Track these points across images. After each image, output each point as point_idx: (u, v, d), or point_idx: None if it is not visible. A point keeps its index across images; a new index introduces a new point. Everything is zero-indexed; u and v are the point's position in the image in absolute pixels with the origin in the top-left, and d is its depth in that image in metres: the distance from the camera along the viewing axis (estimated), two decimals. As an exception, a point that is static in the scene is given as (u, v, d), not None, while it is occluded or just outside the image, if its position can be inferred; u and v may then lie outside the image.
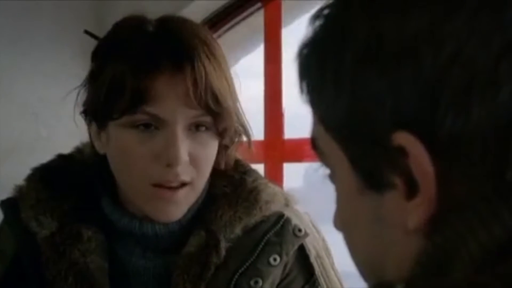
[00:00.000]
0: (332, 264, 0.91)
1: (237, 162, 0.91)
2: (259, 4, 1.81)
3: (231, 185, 0.88)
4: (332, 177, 0.42)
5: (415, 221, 0.35)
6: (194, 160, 0.78)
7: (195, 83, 0.74)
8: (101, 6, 1.98)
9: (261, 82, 1.79)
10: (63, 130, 1.78)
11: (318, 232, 0.92)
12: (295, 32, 1.84)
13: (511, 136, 0.32)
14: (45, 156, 0.92)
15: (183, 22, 0.81)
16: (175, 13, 0.86)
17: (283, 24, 1.78)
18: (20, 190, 0.88)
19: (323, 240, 0.92)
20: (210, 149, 0.80)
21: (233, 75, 0.81)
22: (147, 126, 0.76)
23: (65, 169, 0.89)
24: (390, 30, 0.35)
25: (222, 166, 0.86)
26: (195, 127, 0.77)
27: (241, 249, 0.84)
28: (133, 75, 0.74)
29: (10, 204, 0.88)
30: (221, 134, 0.79)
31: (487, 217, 0.32)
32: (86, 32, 0.87)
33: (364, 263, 0.42)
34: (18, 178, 0.89)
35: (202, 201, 0.87)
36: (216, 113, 0.76)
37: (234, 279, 0.82)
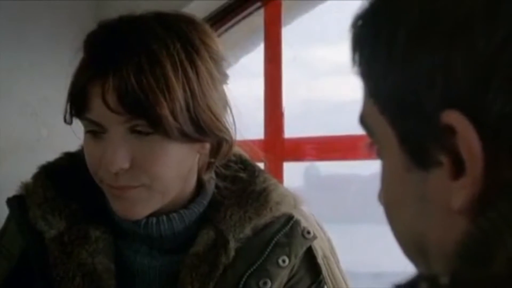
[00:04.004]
0: (338, 264, 0.92)
1: (244, 162, 0.91)
2: (258, 4, 1.81)
3: (238, 186, 0.88)
4: (380, 154, 0.42)
5: (459, 202, 0.35)
6: (141, 164, 0.78)
7: (117, 89, 0.75)
8: (100, 6, 1.98)
9: (261, 81, 1.79)
10: (63, 130, 1.78)
11: (324, 232, 0.92)
12: (295, 32, 1.84)
13: None
14: (46, 156, 0.92)
15: (125, 27, 0.81)
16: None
17: (283, 23, 1.78)
18: (26, 188, 0.88)
19: (329, 240, 0.92)
20: (160, 152, 0.78)
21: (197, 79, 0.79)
22: (97, 131, 0.79)
23: (72, 168, 0.89)
24: (446, 6, 0.35)
25: (203, 169, 0.85)
26: (136, 132, 0.77)
27: (250, 249, 0.84)
28: (73, 83, 0.80)
29: (17, 202, 0.87)
30: (171, 137, 0.77)
31: None
32: None
33: (407, 243, 0.41)
34: (18, 178, 0.89)
35: (208, 202, 0.87)
36: (146, 117, 0.76)
37: (243, 280, 0.82)
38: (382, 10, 0.39)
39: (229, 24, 1.86)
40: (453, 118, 0.34)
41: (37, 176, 0.89)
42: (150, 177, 0.78)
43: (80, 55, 0.82)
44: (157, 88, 0.75)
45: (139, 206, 0.80)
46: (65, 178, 0.88)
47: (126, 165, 0.77)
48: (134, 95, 0.75)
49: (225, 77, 0.86)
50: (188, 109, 0.78)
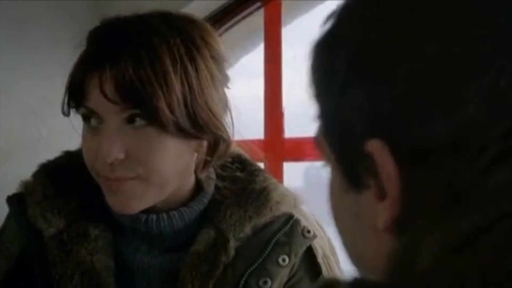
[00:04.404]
0: (338, 263, 0.92)
1: (244, 162, 0.91)
2: (258, 4, 1.81)
3: (238, 185, 0.88)
4: (329, 172, 0.46)
5: (382, 221, 0.39)
6: (136, 156, 0.78)
7: (115, 79, 0.76)
8: (100, 6, 1.98)
9: (261, 81, 1.79)
10: (63, 130, 1.78)
11: (324, 232, 0.92)
12: (295, 32, 1.84)
13: (466, 150, 0.35)
14: (46, 155, 0.92)
15: (126, 23, 0.82)
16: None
17: (283, 23, 1.78)
18: (26, 185, 0.88)
19: (329, 240, 0.92)
20: (156, 145, 0.78)
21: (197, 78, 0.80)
22: (94, 123, 0.80)
23: (71, 166, 0.89)
24: (374, 41, 0.38)
25: (200, 167, 0.85)
26: (133, 124, 0.78)
27: (250, 248, 0.84)
28: (73, 73, 0.80)
29: (16, 200, 0.88)
30: (167, 130, 0.78)
31: (444, 220, 0.35)
32: None
33: (350, 255, 0.46)
34: (18, 177, 0.89)
35: (209, 201, 0.87)
36: (142, 108, 0.76)
37: (243, 279, 0.82)
38: (330, 36, 0.42)
39: (229, 24, 1.86)
40: (373, 146, 0.37)
41: (37, 175, 0.89)
42: (145, 169, 0.79)
43: (79, 53, 0.83)
44: (155, 80, 0.76)
45: (135, 200, 0.80)
46: (65, 177, 0.88)
47: (121, 155, 0.77)
48: (131, 85, 0.75)
49: (226, 79, 0.86)
50: (185, 104, 0.78)
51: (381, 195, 0.39)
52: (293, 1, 1.79)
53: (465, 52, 0.35)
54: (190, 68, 0.79)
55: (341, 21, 0.42)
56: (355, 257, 0.45)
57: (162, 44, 0.78)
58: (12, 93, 1.89)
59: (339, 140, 0.41)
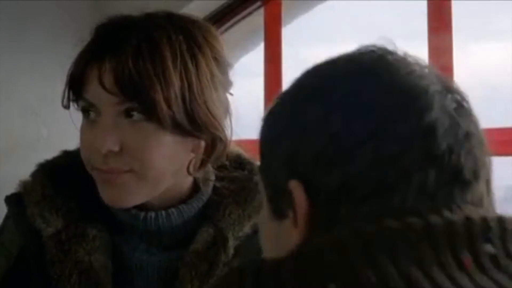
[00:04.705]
0: None
1: (243, 161, 0.91)
2: (258, 3, 1.81)
3: (237, 185, 0.88)
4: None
5: (295, 243, 0.50)
6: (130, 150, 0.78)
7: (114, 70, 0.76)
8: (100, 6, 1.98)
9: (261, 81, 1.79)
10: (63, 129, 1.78)
11: None
12: (295, 31, 1.84)
13: (347, 200, 0.48)
14: (46, 155, 0.92)
15: (130, 19, 0.83)
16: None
17: (283, 23, 1.78)
18: (24, 185, 0.88)
19: None
20: (152, 140, 0.78)
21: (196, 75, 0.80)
22: (92, 116, 0.80)
23: (70, 166, 0.89)
24: (293, 113, 0.54)
25: (196, 166, 0.85)
26: (130, 117, 0.78)
27: (249, 247, 0.84)
28: (74, 65, 0.80)
29: (15, 200, 0.87)
30: (163, 125, 0.78)
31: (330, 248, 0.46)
32: None
33: None
34: (18, 177, 0.89)
35: (208, 200, 0.87)
36: (139, 101, 0.76)
37: None
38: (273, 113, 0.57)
39: (229, 23, 1.86)
40: (293, 185, 0.50)
41: (36, 174, 0.89)
42: (140, 164, 0.79)
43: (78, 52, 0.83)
44: (154, 74, 0.76)
45: (127, 194, 0.80)
46: (63, 176, 0.88)
47: (116, 147, 0.77)
48: (130, 77, 0.75)
49: (228, 83, 0.86)
50: (183, 100, 0.78)
51: (296, 223, 0.50)
52: (293, 1, 1.79)
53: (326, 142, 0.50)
54: (190, 65, 0.79)
55: (279, 100, 0.57)
56: None
57: (163, 39, 0.78)
58: (12, 93, 1.89)
59: (271, 181, 0.54)
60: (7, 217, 0.90)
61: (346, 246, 0.44)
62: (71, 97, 0.82)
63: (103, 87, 0.76)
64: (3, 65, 1.88)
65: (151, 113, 0.76)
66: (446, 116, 0.48)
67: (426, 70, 0.52)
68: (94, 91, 0.78)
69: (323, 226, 0.48)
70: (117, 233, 0.86)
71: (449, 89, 0.51)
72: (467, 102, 0.51)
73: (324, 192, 0.49)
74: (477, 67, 1.52)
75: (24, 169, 0.90)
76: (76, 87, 0.80)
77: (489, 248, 0.44)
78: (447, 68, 1.31)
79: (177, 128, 0.78)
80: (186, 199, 0.87)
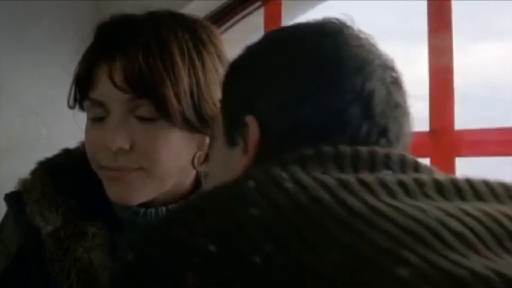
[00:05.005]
0: None
1: None
2: (258, 3, 1.81)
3: None
4: (213, 139, 0.71)
5: (242, 167, 0.58)
6: (141, 148, 0.79)
7: (124, 68, 0.77)
8: (100, 6, 1.98)
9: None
10: (63, 129, 1.78)
11: None
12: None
13: (291, 139, 0.56)
14: (46, 155, 0.92)
15: (142, 16, 0.84)
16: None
17: (283, 23, 1.78)
18: (24, 183, 0.88)
19: None
20: (162, 138, 0.79)
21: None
22: (100, 117, 0.80)
23: (70, 164, 0.89)
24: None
25: (200, 161, 0.85)
26: (139, 117, 0.79)
27: None
28: (80, 65, 0.81)
29: (15, 198, 0.87)
30: (174, 122, 0.79)
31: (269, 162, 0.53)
32: None
33: None
34: (18, 177, 0.89)
35: None
36: (151, 97, 0.77)
37: None
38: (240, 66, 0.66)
39: (229, 23, 1.86)
40: (249, 120, 0.58)
41: (35, 172, 0.89)
42: (149, 161, 0.79)
43: (80, 55, 0.83)
44: (164, 70, 0.77)
45: (135, 191, 0.81)
46: (63, 174, 0.88)
47: (126, 145, 0.78)
48: (141, 74, 0.76)
49: None
50: (192, 96, 0.79)
51: (245, 151, 0.59)
52: (293, 1, 1.79)
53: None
54: (197, 62, 0.81)
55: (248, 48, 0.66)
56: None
57: (170, 36, 0.80)
58: (12, 93, 1.90)
59: (230, 114, 0.63)
60: (6, 215, 0.90)
61: (269, 171, 0.49)
62: (77, 97, 0.82)
63: (114, 84, 0.77)
64: (3, 65, 1.88)
65: (161, 109, 0.77)
66: (383, 87, 0.58)
67: (373, 48, 0.60)
68: (103, 90, 0.78)
69: (267, 158, 0.54)
70: (117, 231, 0.86)
71: (389, 65, 0.60)
72: (400, 78, 0.61)
73: (275, 130, 0.57)
74: (477, 67, 1.52)
75: (24, 169, 0.90)
76: (83, 85, 0.80)
77: (388, 172, 0.50)
78: (447, 68, 1.31)
79: (186, 125, 0.79)
80: (187, 195, 0.87)
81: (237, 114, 0.60)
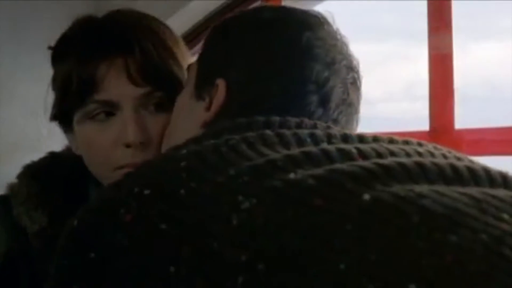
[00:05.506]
0: None
1: None
2: (259, 3, 1.81)
3: None
4: (185, 85, 0.76)
5: (202, 121, 0.65)
6: (155, 141, 0.79)
7: (135, 61, 0.77)
8: (100, 6, 1.98)
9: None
10: (63, 129, 1.78)
11: None
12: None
13: (251, 108, 0.63)
14: (46, 155, 0.92)
15: (127, 13, 0.85)
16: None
17: (282, 23, 1.78)
18: (12, 188, 0.88)
19: None
20: None
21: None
22: (105, 114, 0.79)
23: (55, 166, 0.89)
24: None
25: None
26: (152, 106, 0.79)
27: None
28: (77, 68, 0.79)
29: (2, 201, 0.88)
30: None
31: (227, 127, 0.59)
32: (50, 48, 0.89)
33: (167, 142, 0.74)
34: (18, 177, 0.89)
35: None
36: (164, 89, 0.78)
37: None
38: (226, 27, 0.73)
39: (229, 23, 1.86)
40: (220, 82, 0.65)
41: (21, 176, 0.89)
42: None
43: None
44: (171, 59, 0.80)
45: None
46: (49, 176, 0.88)
47: (144, 139, 0.78)
48: (155, 67, 0.78)
49: None
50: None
51: (208, 109, 0.65)
52: (293, 1, 1.79)
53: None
54: (181, 47, 0.84)
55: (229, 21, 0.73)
56: (172, 142, 0.67)
57: (161, 29, 0.82)
58: (12, 93, 1.90)
59: (205, 72, 0.68)
60: None
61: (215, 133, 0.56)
62: (75, 102, 0.80)
63: (132, 81, 0.77)
64: (4, 65, 1.88)
65: (174, 98, 0.78)
66: (343, 85, 0.66)
67: (344, 48, 0.68)
68: (111, 88, 0.78)
69: (222, 123, 0.60)
70: None
71: (353, 67, 0.68)
72: (360, 80, 0.69)
73: (238, 98, 0.64)
74: (477, 67, 1.52)
75: (24, 169, 0.90)
76: (86, 90, 0.79)
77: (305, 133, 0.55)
78: (447, 68, 1.31)
79: None
80: None
81: (211, 74, 0.66)
